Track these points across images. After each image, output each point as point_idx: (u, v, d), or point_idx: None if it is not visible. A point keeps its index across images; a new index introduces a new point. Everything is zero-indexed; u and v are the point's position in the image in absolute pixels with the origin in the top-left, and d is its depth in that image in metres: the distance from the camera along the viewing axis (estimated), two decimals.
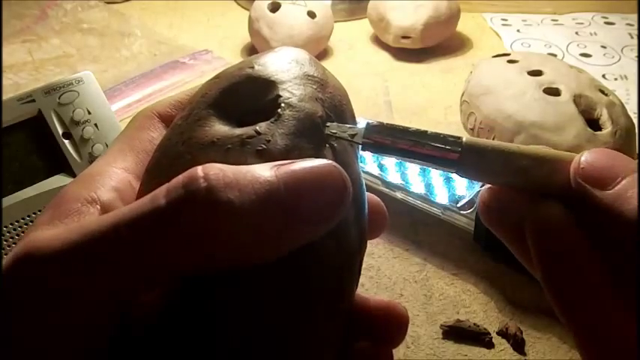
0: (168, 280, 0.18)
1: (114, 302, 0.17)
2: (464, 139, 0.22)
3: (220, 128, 0.21)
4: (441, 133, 0.22)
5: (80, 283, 0.17)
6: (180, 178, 0.17)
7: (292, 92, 0.22)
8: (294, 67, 0.23)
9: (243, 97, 0.22)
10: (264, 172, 0.18)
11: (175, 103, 0.25)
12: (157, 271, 0.17)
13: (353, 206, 0.22)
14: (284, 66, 0.23)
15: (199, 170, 0.17)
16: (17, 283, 0.17)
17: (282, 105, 0.22)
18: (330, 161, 0.19)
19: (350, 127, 0.22)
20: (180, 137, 0.22)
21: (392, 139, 0.22)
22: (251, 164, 0.19)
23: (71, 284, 0.17)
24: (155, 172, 0.22)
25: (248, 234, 0.17)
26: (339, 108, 0.23)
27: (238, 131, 0.21)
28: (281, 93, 0.22)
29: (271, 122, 0.21)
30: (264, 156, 0.20)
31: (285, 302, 0.19)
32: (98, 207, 0.20)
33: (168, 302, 0.18)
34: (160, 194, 0.17)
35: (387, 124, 0.22)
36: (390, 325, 0.25)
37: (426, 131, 0.22)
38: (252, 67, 0.23)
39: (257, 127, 0.21)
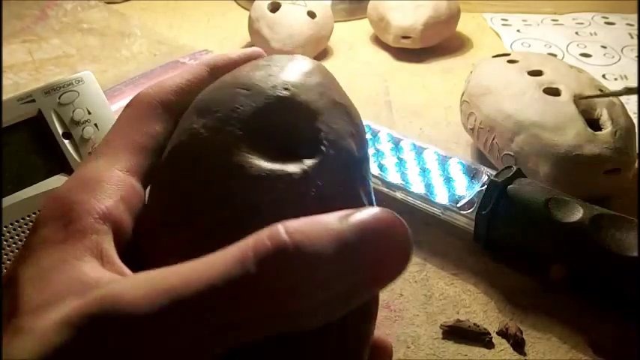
0: (251, 342, 0.17)
1: None
2: None
3: (261, 160, 0.20)
4: None
5: (169, 349, 0.16)
6: (267, 243, 0.16)
7: (331, 127, 0.22)
8: (325, 91, 0.23)
9: (283, 121, 0.21)
10: (335, 225, 0.17)
11: (177, 88, 0.24)
12: (245, 336, 0.17)
13: None
14: (315, 88, 0.22)
15: (284, 234, 0.17)
16: (103, 344, 0.16)
17: (325, 143, 0.21)
18: (390, 211, 0.18)
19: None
20: (216, 157, 0.20)
21: None
22: (311, 209, 0.18)
23: (159, 349, 0.16)
24: (187, 188, 0.20)
25: (335, 294, 0.17)
26: (364, 140, 0.23)
27: (287, 168, 0.20)
28: (321, 126, 0.21)
29: (318, 162, 0.20)
30: (322, 201, 0.20)
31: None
32: (110, 222, 0.20)
33: None
34: (248, 259, 0.16)
35: None
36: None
37: None
38: (288, 90, 0.22)
39: (305, 167, 0.20)
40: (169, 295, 0.16)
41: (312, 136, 0.21)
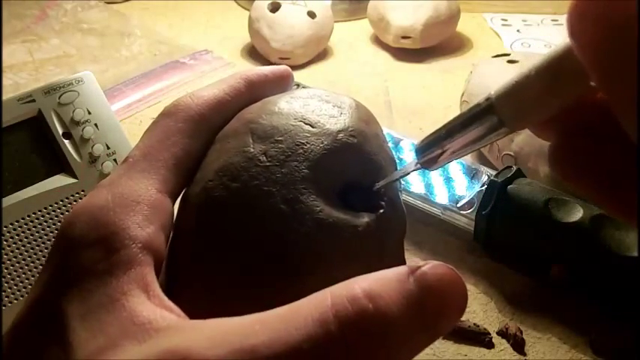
0: None
1: None
2: (491, 94, 0.20)
3: (327, 201, 0.20)
4: (469, 110, 0.21)
5: None
6: (347, 304, 0.16)
7: (389, 185, 0.22)
8: (382, 144, 0.23)
9: (347, 169, 0.21)
10: (404, 283, 0.17)
11: (217, 104, 0.23)
12: None
13: None
14: (374, 140, 0.22)
15: (361, 295, 0.17)
16: None
17: (386, 199, 0.21)
18: (449, 266, 0.19)
19: (401, 172, 0.22)
20: (278, 190, 0.19)
21: (440, 148, 0.21)
22: (373, 263, 0.18)
23: None
24: (241, 221, 0.19)
25: (406, 351, 0.17)
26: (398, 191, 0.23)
27: (352, 219, 0.20)
28: (380, 184, 0.22)
29: (377, 217, 0.21)
30: (381, 256, 0.20)
31: None
32: (150, 251, 0.19)
33: None
34: (329, 320, 0.16)
35: (425, 138, 0.22)
36: None
37: (458, 117, 0.21)
38: (354, 137, 0.21)
39: (369, 220, 0.20)
40: (249, 355, 0.15)
41: (374, 192, 0.21)
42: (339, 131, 0.21)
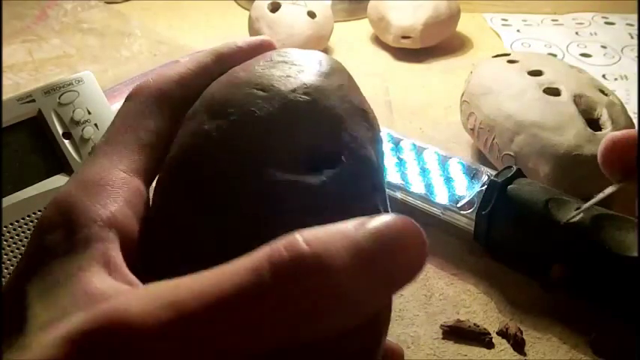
0: (264, 354, 0.16)
1: None
2: None
3: (279, 169, 0.20)
4: None
5: None
6: (282, 252, 0.16)
7: (352, 135, 0.21)
8: (345, 94, 0.22)
9: (300, 130, 0.20)
10: (352, 232, 0.17)
11: (179, 78, 0.23)
12: (260, 349, 0.16)
13: None
14: (336, 92, 0.21)
15: (301, 242, 0.16)
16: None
17: (346, 152, 0.20)
18: (406, 217, 0.18)
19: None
20: (235, 158, 0.20)
21: None
22: (329, 219, 0.18)
23: None
24: (203, 189, 0.20)
25: (351, 303, 0.16)
26: (381, 146, 0.22)
27: (306, 178, 0.20)
28: (342, 135, 0.21)
29: (337, 172, 0.20)
30: (341, 211, 0.19)
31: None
32: (115, 228, 0.19)
33: None
34: (263, 268, 0.16)
35: None
36: None
37: None
38: (308, 90, 0.21)
39: (325, 178, 0.20)
40: (177, 308, 0.15)
41: (333, 145, 0.21)
42: (291, 91, 0.21)
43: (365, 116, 0.22)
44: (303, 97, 0.21)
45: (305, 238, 0.16)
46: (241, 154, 0.20)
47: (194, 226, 0.20)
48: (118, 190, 0.20)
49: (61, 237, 0.18)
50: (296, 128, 0.20)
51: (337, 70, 0.23)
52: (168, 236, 0.20)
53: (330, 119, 0.21)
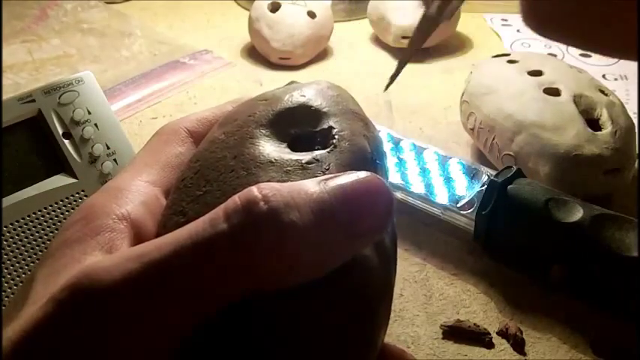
0: (226, 304, 0.17)
1: (175, 328, 0.17)
2: None
3: (275, 149, 0.22)
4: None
5: (144, 312, 0.17)
6: (237, 201, 0.17)
7: (344, 126, 0.23)
8: (341, 102, 0.24)
9: (297, 122, 0.23)
10: (313, 187, 0.18)
11: (201, 119, 0.25)
12: (218, 296, 0.17)
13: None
14: (332, 99, 0.24)
15: (256, 192, 0.17)
16: (78, 313, 0.17)
17: (337, 137, 0.22)
18: (370, 173, 0.19)
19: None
20: (230, 152, 0.22)
21: None
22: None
23: (134, 314, 0.17)
24: (199, 182, 0.21)
25: (309, 253, 0.17)
26: (380, 146, 0.24)
27: (296, 156, 0.21)
28: (334, 125, 0.23)
29: (328, 152, 0.22)
30: None
31: (335, 315, 0.19)
32: (128, 223, 0.20)
33: (212, 322, 0.18)
34: (219, 218, 0.17)
35: None
36: None
37: None
38: (304, 96, 0.23)
39: (315, 155, 0.21)
40: (140, 260, 0.17)
41: (327, 133, 0.22)
42: (289, 96, 0.23)
43: (360, 117, 0.24)
44: (299, 98, 0.23)
45: (264, 193, 0.17)
46: (239, 144, 0.22)
47: (192, 211, 0.21)
48: (135, 193, 0.21)
49: (76, 229, 0.20)
50: (290, 121, 0.23)
51: (335, 87, 0.25)
52: (172, 223, 0.21)
53: (323, 114, 0.23)
